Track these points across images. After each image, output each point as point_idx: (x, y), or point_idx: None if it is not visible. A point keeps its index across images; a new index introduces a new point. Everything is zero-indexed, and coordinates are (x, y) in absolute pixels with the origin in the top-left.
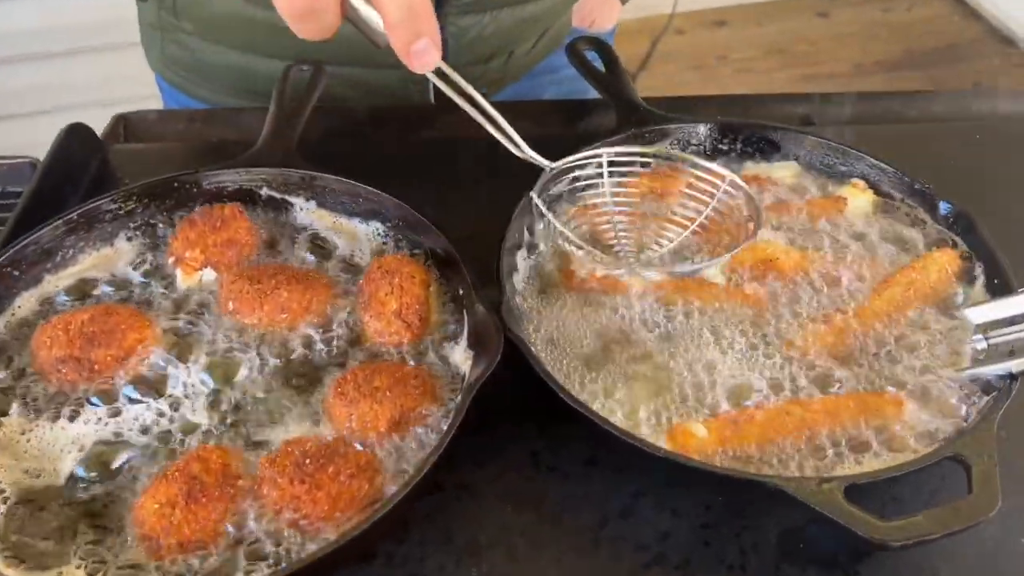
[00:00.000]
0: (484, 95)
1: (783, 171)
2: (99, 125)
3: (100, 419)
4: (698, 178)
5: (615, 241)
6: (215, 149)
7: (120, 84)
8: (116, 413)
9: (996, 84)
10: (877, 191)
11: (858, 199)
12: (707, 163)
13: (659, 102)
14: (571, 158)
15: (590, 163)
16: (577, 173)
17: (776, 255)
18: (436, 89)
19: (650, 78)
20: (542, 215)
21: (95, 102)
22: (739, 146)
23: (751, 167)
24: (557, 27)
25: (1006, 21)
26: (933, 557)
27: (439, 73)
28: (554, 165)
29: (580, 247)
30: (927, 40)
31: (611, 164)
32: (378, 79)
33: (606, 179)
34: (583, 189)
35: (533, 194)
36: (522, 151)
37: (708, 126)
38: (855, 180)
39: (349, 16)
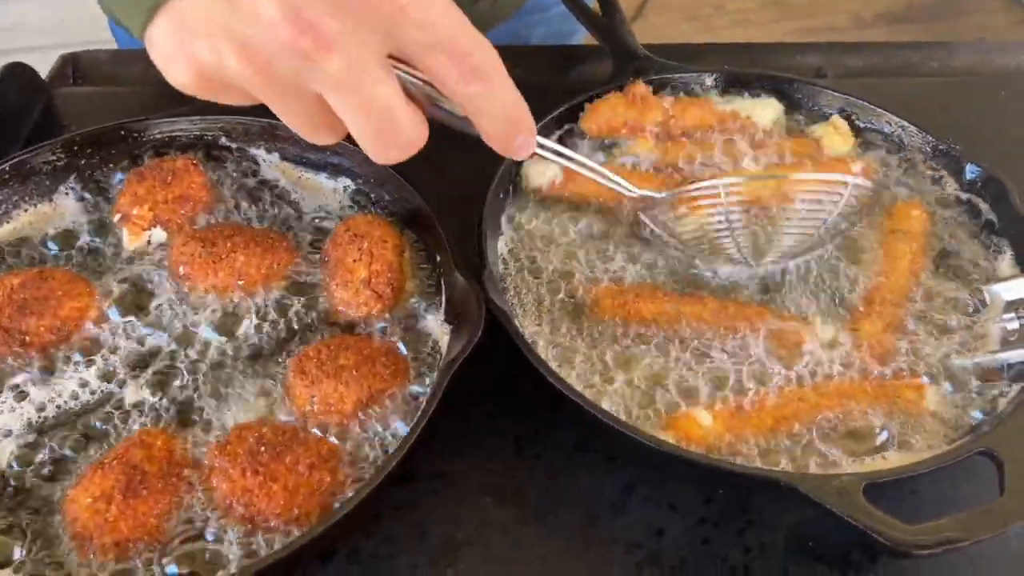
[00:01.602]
0: None
1: (764, 108)
2: (48, 69)
3: (30, 397)
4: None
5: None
6: (175, 94)
7: (73, 28)
8: (49, 390)
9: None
10: (893, 150)
11: (833, 139)
12: (828, 175)
13: (659, 49)
14: (684, 189)
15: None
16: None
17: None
18: None
19: (642, 28)
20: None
21: (45, 46)
22: (746, 97)
23: (721, 100)
24: None
25: None
26: (954, 558)
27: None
28: (663, 195)
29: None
30: None
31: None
32: None
33: (726, 206)
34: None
35: (644, 217)
36: (632, 191)
37: (714, 76)
38: (834, 118)
39: (435, 115)
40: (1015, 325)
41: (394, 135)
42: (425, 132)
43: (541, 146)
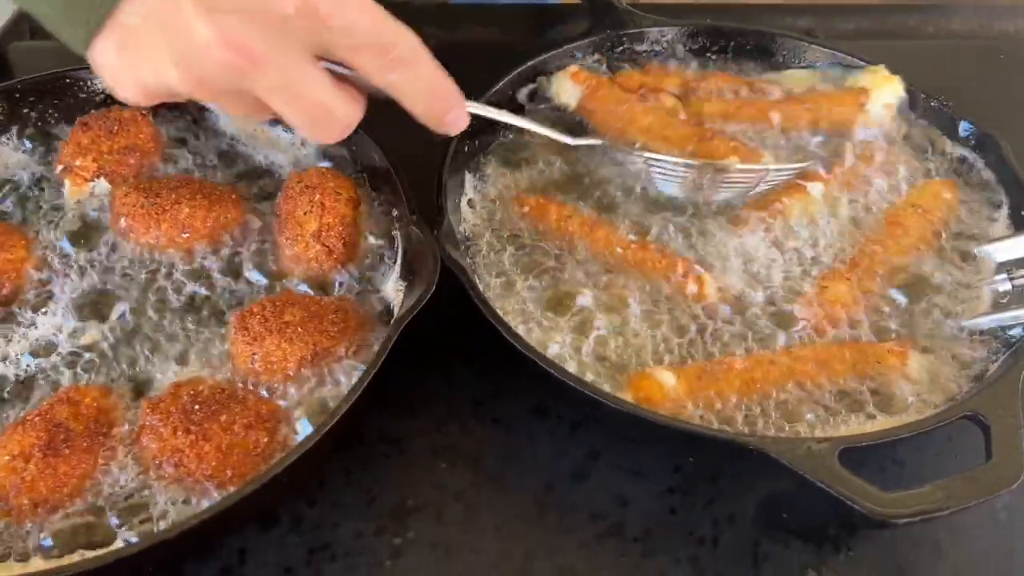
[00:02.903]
0: None
1: (800, 75)
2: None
3: None
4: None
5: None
6: None
7: None
8: None
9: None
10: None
11: (882, 90)
12: (749, 165)
13: (645, 7)
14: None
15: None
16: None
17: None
18: None
19: None
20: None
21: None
22: (730, 55)
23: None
24: None
25: None
26: (937, 530)
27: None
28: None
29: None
30: None
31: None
32: None
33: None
34: None
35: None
36: (570, 141)
37: (691, 29)
38: (875, 67)
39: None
40: (1007, 287)
41: (328, 123)
42: (359, 111)
43: (475, 114)
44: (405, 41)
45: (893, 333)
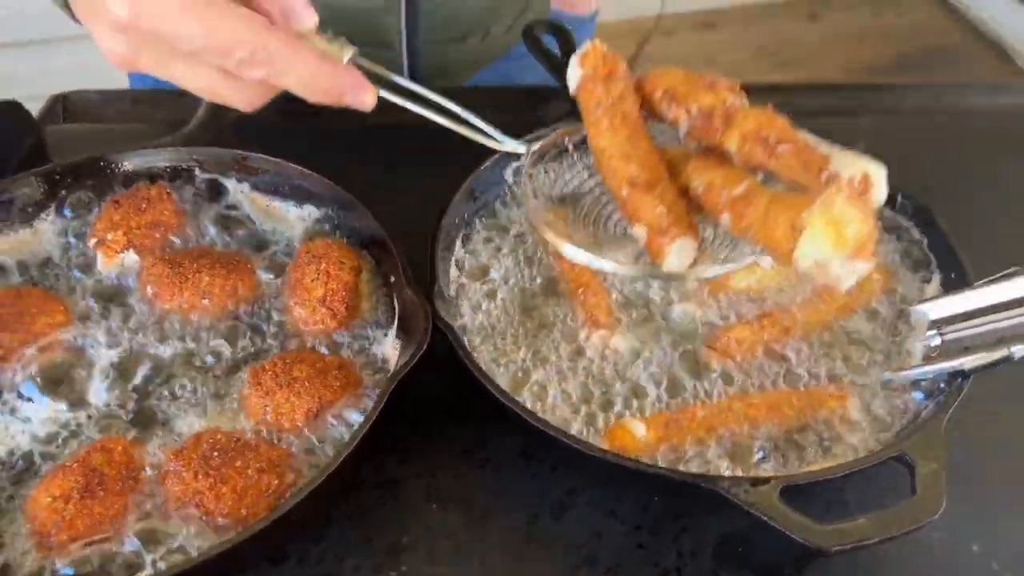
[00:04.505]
0: (458, 81)
1: None
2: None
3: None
4: None
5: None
6: (161, 131)
7: (82, 75)
8: (22, 398)
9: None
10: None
11: (816, 231)
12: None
13: None
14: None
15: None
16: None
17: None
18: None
19: None
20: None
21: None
22: None
23: None
24: (536, 8)
25: (995, 28)
26: (882, 565)
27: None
28: (535, 148)
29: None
30: (917, 44)
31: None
32: None
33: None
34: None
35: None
36: (499, 142)
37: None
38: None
39: None
40: (937, 342)
41: (222, 100)
42: (238, 93)
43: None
44: (247, 45)
45: (831, 383)
